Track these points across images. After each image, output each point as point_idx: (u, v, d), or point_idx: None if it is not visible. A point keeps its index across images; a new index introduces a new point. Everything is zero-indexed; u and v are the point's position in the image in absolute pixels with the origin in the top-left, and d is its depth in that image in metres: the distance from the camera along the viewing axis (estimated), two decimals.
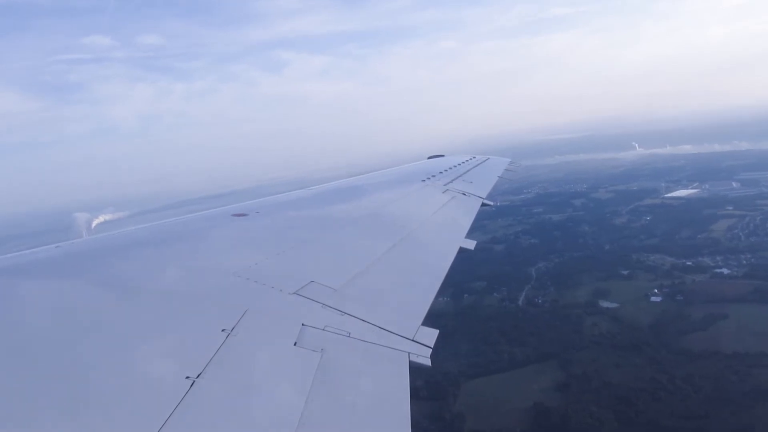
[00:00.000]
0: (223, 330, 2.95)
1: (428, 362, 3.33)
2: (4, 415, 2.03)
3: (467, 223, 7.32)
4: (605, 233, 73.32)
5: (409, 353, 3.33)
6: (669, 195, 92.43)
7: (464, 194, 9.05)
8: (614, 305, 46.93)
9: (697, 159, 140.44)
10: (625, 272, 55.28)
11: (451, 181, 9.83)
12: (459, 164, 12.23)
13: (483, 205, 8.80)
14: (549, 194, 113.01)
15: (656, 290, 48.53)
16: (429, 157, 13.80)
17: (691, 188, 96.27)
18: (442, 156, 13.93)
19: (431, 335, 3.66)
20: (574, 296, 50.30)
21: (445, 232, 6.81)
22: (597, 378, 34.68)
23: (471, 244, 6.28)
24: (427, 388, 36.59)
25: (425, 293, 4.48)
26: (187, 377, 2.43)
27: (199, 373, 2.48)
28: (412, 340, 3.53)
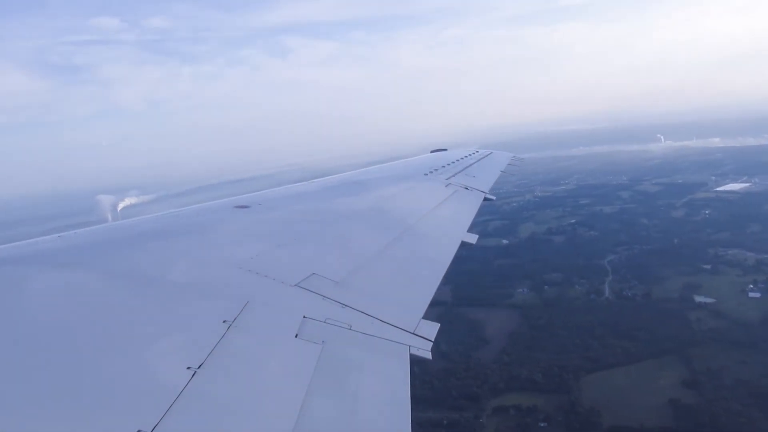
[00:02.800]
0: (224, 321, 2.94)
1: (429, 355, 3.31)
2: (5, 403, 2.06)
3: (469, 217, 7.31)
4: (668, 226, 72.41)
5: (410, 346, 3.32)
6: (721, 189, 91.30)
7: (467, 188, 9.00)
8: (710, 300, 46.26)
9: (734, 152, 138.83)
10: (707, 267, 54.56)
11: (454, 175, 9.78)
12: (462, 158, 12.17)
13: (485, 199, 8.80)
14: (590, 186, 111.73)
15: (751, 285, 47.81)
16: (432, 151, 13.78)
17: (741, 182, 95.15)
18: (445, 150, 13.86)
19: (432, 329, 3.62)
20: (664, 290, 49.62)
21: (447, 226, 6.82)
22: (727, 375, 34.06)
23: (473, 239, 6.28)
24: (547, 381, 36.11)
25: (427, 287, 4.45)
26: (188, 368, 2.43)
27: (200, 364, 2.48)
28: (413, 334, 3.51)
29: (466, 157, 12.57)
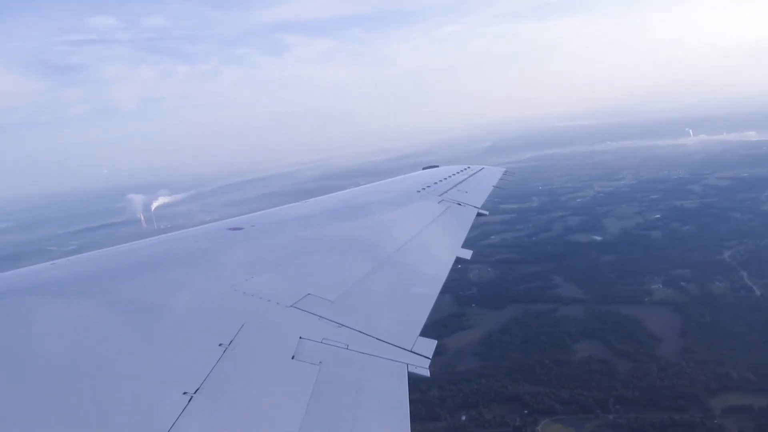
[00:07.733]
0: (220, 344, 2.93)
1: (427, 373, 3.29)
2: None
3: (463, 233, 7.37)
4: (765, 221, 71.96)
5: (407, 364, 3.31)
6: None
7: (459, 204, 9.06)
8: None
9: None
10: None
11: (446, 192, 9.88)
12: (454, 174, 12.39)
13: (478, 215, 8.78)
14: (650, 180, 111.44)
15: None
16: (424, 168, 13.96)
17: None
18: (437, 166, 14.03)
19: (429, 346, 3.62)
20: None
21: (442, 242, 6.84)
22: None
23: (467, 254, 6.31)
24: (763, 380, 35.25)
25: (423, 304, 4.45)
26: (185, 393, 2.40)
27: (196, 388, 2.46)
28: (411, 351, 3.51)
29: (457, 173, 12.66)
